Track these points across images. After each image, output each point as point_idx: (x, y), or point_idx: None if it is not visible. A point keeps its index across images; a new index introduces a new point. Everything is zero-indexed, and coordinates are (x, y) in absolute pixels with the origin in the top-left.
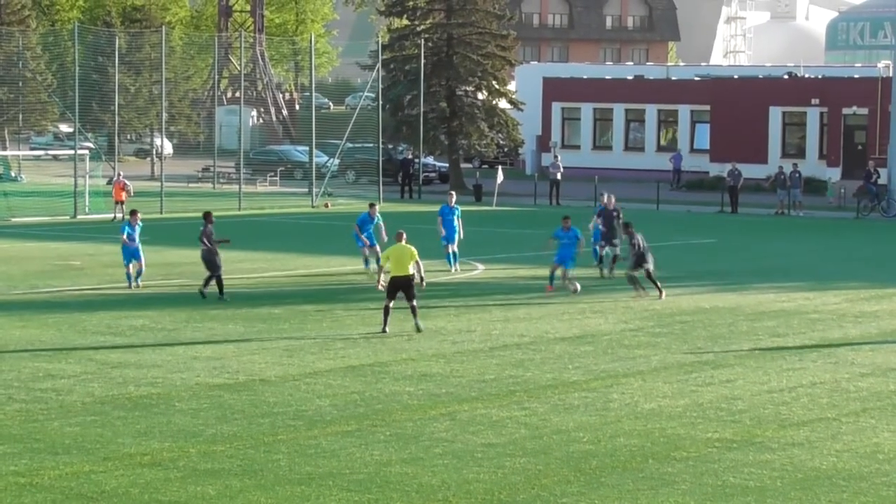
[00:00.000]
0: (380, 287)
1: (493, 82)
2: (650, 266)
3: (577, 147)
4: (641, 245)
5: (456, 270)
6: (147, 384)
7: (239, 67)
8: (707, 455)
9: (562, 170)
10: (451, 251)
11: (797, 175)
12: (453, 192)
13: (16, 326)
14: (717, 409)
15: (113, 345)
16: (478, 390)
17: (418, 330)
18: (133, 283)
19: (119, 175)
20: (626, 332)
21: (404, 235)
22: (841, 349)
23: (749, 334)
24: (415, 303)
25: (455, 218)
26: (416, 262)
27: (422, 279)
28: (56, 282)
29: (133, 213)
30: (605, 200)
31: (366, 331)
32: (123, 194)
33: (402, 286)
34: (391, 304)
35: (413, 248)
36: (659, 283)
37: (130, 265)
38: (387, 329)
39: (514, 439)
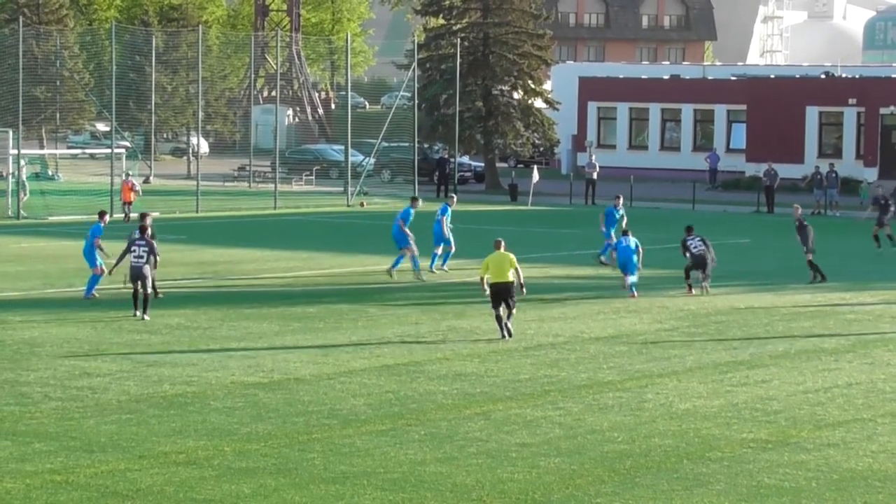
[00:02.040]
0: (484, 293)
1: (529, 82)
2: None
3: (613, 146)
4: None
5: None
6: (182, 383)
7: (275, 66)
8: (742, 455)
9: (598, 169)
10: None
11: (833, 175)
12: (454, 196)
13: (52, 324)
14: (753, 410)
15: (148, 343)
16: (512, 390)
17: (509, 335)
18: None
19: (128, 175)
20: (661, 332)
21: (503, 243)
22: (877, 350)
23: (785, 334)
24: (514, 309)
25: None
26: (516, 269)
27: (521, 285)
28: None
29: (103, 213)
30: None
31: (400, 330)
32: (132, 195)
33: (503, 292)
34: (501, 312)
35: (512, 255)
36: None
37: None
38: (505, 335)
39: (549, 439)
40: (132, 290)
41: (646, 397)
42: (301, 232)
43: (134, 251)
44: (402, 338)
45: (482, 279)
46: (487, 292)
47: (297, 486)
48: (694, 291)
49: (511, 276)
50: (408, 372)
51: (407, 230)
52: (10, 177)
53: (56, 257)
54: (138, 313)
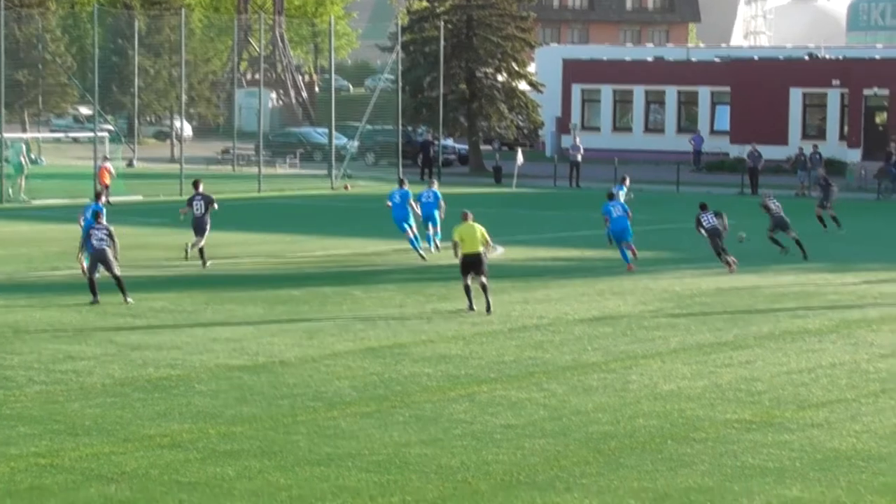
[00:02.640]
0: (457, 257)
1: (513, 64)
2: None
3: (597, 129)
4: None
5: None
6: (166, 366)
7: (258, 49)
8: (726, 436)
9: (582, 151)
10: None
11: (818, 157)
12: (434, 180)
13: (36, 308)
14: (737, 391)
15: (132, 326)
16: (497, 372)
17: (489, 309)
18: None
19: (105, 158)
20: (645, 314)
21: (470, 215)
22: (860, 330)
23: (768, 315)
24: (488, 281)
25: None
26: (486, 241)
27: (487, 252)
28: (76, 264)
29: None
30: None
31: (385, 312)
32: (108, 177)
33: (474, 263)
34: (470, 282)
35: (481, 227)
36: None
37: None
38: (473, 306)
39: (534, 420)
40: (88, 278)
41: (630, 378)
42: (285, 215)
43: (94, 234)
44: (386, 320)
45: (455, 244)
46: (459, 259)
47: (281, 469)
48: (733, 267)
49: (482, 248)
50: (392, 354)
51: (417, 209)
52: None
53: (39, 241)
54: (99, 300)
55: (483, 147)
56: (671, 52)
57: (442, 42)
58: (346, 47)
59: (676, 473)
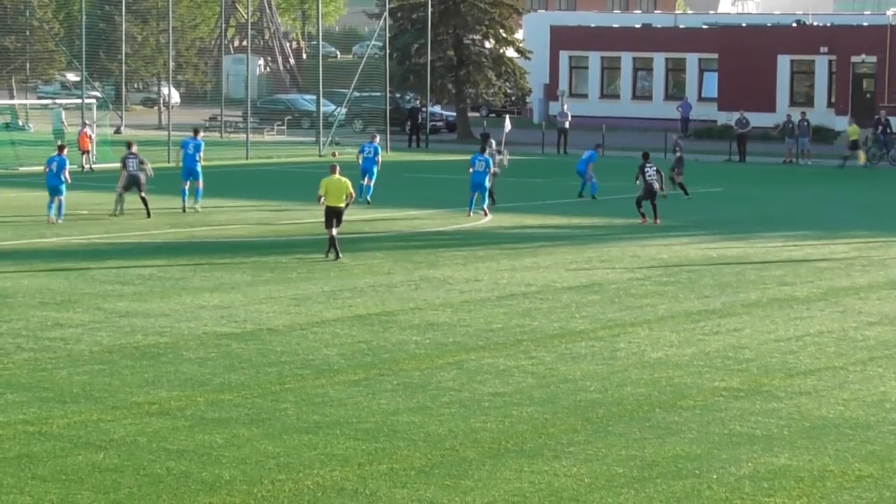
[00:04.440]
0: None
1: (501, 31)
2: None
3: (585, 96)
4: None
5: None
6: (155, 333)
7: (246, 16)
8: (714, 404)
9: (569, 118)
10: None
11: (805, 124)
12: (377, 135)
13: (24, 275)
14: (725, 358)
15: (121, 294)
16: (485, 339)
17: (337, 257)
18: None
19: (85, 124)
20: (633, 282)
21: (338, 168)
22: (848, 298)
23: (756, 283)
24: (335, 232)
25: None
26: (350, 194)
27: (348, 204)
28: (64, 231)
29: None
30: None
31: (373, 280)
32: (87, 143)
33: (336, 214)
34: (334, 233)
35: (347, 181)
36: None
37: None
38: (329, 254)
39: (522, 388)
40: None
41: (618, 346)
42: (273, 182)
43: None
44: (374, 287)
45: (320, 197)
46: (323, 209)
47: (269, 436)
48: (647, 221)
49: (345, 201)
50: (380, 322)
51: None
52: None
53: (27, 207)
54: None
55: (470, 114)
56: (659, 19)
57: (430, 8)
58: (334, 14)
59: (664, 441)
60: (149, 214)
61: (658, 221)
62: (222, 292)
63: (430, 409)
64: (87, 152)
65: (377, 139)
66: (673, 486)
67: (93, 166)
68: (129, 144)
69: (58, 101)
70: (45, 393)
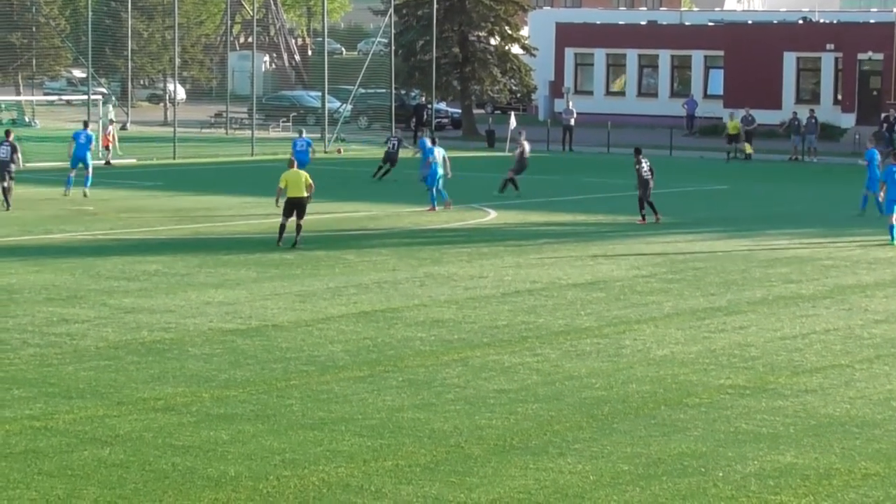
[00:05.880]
0: (278, 205)
1: (506, 28)
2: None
3: (590, 93)
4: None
5: None
6: (160, 329)
7: (251, 12)
8: (719, 401)
9: (575, 115)
10: None
11: (812, 121)
12: (303, 129)
13: (30, 271)
14: (730, 356)
15: (126, 290)
16: (490, 336)
17: (295, 244)
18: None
19: (111, 121)
20: (638, 279)
21: (296, 162)
22: (854, 296)
23: (762, 281)
24: (302, 222)
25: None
26: (310, 186)
27: (310, 196)
28: (70, 227)
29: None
30: None
31: (377, 276)
32: (109, 140)
33: (296, 205)
34: (287, 222)
35: (306, 174)
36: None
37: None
38: (281, 244)
39: (527, 385)
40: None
41: (623, 343)
42: (278, 178)
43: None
44: (379, 284)
45: (280, 189)
46: (282, 203)
47: (275, 433)
48: (647, 222)
49: (305, 192)
50: (385, 318)
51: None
52: None
53: (33, 203)
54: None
55: (476, 111)
56: (664, 16)
57: (435, 5)
58: (339, 10)
59: (670, 439)
60: (8, 207)
61: (658, 218)
62: (227, 288)
63: (435, 406)
64: (107, 147)
65: (304, 133)
66: (678, 484)
67: (111, 160)
68: (7, 133)
69: (64, 97)
70: (51, 388)
